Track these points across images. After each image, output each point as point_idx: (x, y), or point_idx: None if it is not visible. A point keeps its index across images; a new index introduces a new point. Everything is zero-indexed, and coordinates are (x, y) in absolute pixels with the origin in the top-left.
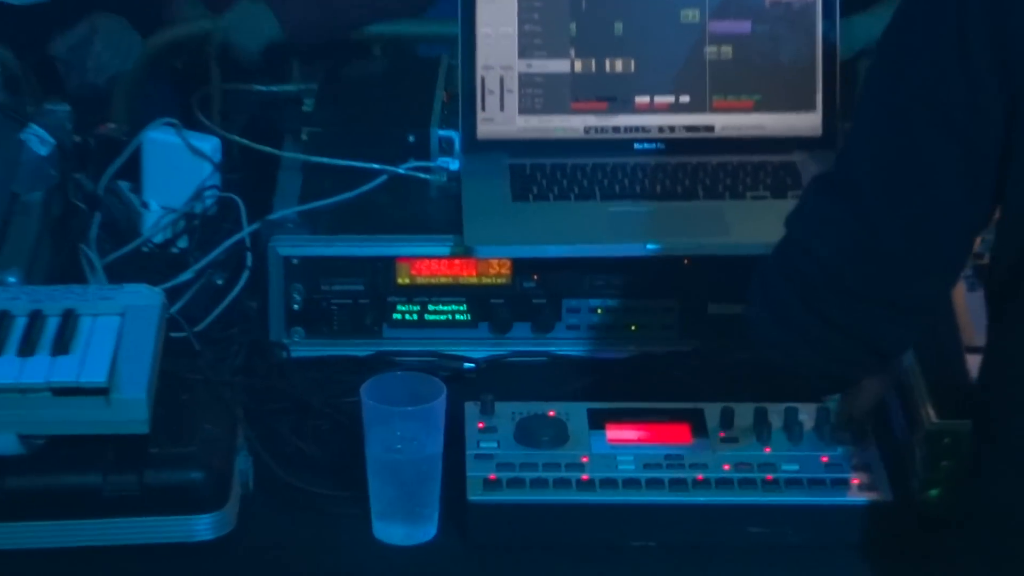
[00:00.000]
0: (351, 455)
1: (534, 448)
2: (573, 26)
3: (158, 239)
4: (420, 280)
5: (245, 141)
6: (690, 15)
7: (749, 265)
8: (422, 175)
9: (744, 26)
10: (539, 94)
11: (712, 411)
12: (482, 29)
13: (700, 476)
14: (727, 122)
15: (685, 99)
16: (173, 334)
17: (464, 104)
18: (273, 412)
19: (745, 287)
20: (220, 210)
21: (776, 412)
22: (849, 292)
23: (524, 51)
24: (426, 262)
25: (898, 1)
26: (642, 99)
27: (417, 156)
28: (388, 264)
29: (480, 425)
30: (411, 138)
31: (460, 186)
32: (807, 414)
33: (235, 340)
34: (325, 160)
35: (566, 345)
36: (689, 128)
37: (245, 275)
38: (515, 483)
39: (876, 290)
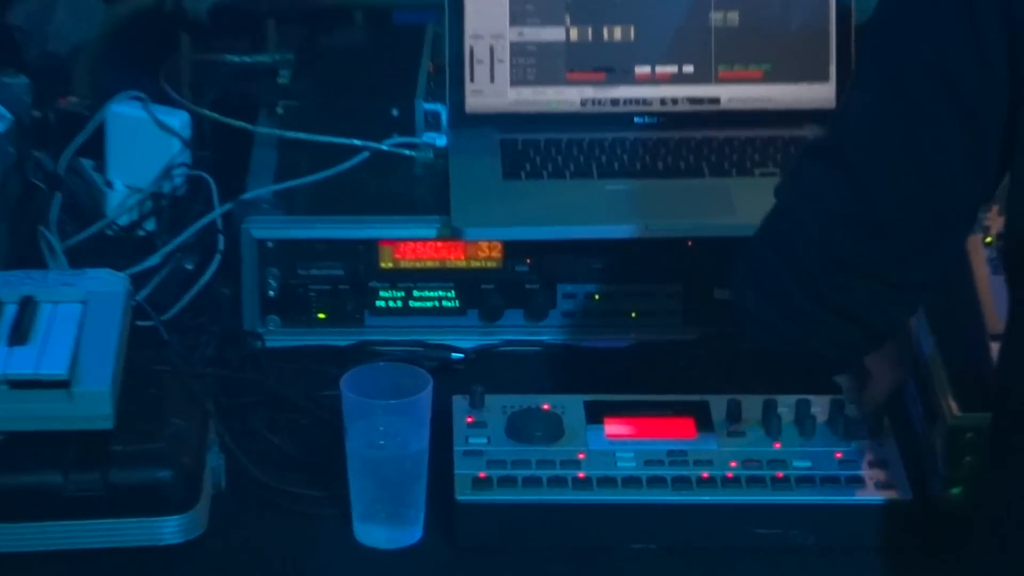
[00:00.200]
0: (330, 452)
1: (527, 444)
2: None
3: (123, 221)
4: (404, 264)
5: (216, 115)
6: None
7: None
8: (406, 152)
9: None
10: (532, 64)
11: (718, 404)
12: None
13: (705, 474)
14: (734, 94)
15: (689, 69)
16: (139, 323)
17: (451, 75)
18: (247, 406)
19: None
20: (190, 190)
21: (787, 404)
22: (840, 266)
23: (515, 18)
24: (411, 245)
25: None
26: (642, 69)
27: (401, 131)
28: (370, 247)
29: (469, 419)
30: (395, 112)
31: (447, 163)
32: (820, 406)
33: (206, 329)
34: (302, 136)
35: (561, 333)
36: (693, 100)
37: (217, 259)
38: (506, 482)
39: (870, 265)
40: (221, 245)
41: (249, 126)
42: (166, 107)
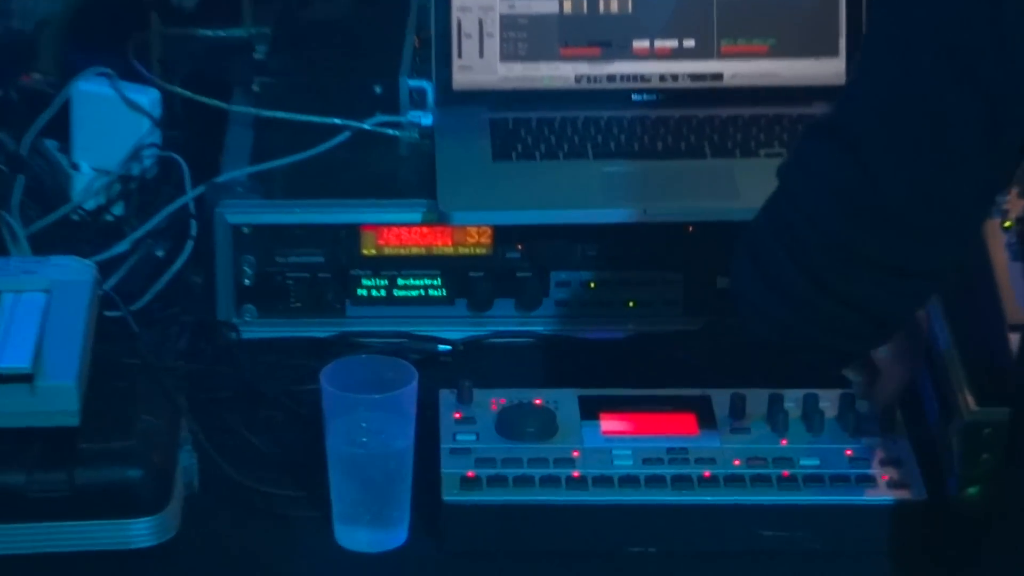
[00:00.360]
0: (310, 450)
1: (518, 441)
2: None
3: (90, 205)
4: (388, 251)
5: (188, 93)
6: None
7: None
8: (390, 131)
9: None
10: (523, 38)
11: (721, 398)
12: None
13: (707, 473)
14: (737, 69)
15: (689, 43)
16: (107, 313)
17: (438, 50)
18: (221, 401)
19: None
20: (160, 172)
21: (794, 399)
22: (846, 253)
23: None
24: (395, 230)
25: None
26: (641, 43)
27: (384, 110)
28: (352, 233)
29: (456, 415)
30: (378, 89)
31: (433, 144)
32: (829, 401)
33: (177, 320)
34: (280, 114)
35: (554, 324)
36: (694, 76)
37: (189, 246)
38: (496, 481)
39: (875, 252)
40: (194, 231)
41: (223, 104)
42: (135, 84)
